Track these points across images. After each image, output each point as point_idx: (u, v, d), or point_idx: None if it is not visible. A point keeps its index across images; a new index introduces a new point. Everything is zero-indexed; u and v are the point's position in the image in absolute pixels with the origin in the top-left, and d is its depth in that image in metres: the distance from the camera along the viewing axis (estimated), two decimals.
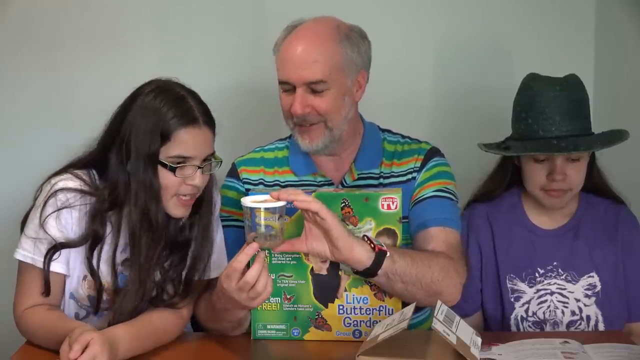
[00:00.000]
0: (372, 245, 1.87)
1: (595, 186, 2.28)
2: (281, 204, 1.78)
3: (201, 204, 1.99)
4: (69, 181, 1.93)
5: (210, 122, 1.94)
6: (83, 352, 1.71)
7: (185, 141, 1.89)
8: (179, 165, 1.89)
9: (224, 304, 1.87)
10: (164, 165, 1.89)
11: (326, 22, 2.12)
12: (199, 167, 1.91)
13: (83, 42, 2.69)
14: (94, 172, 1.96)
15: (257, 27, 2.72)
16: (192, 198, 1.94)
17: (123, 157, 1.90)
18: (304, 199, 1.81)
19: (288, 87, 2.09)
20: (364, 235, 1.89)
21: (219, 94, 2.74)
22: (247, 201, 1.79)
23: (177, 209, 1.94)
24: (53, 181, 1.94)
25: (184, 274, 1.98)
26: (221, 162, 1.98)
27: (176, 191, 1.91)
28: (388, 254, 1.87)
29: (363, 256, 1.86)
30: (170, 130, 1.87)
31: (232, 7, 2.74)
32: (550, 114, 2.15)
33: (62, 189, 1.91)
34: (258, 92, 2.70)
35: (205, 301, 2.01)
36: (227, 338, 1.99)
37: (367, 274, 1.89)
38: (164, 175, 1.89)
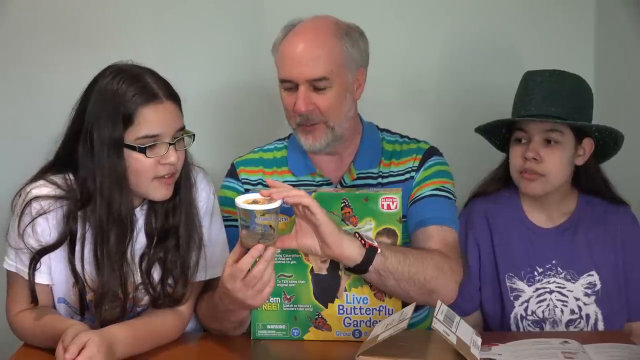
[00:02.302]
0: (363, 242, 1.86)
1: (597, 188, 2.28)
2: (277, 204, 1.78)
3: (179, 185, 1.94)
4: (42, 188, 1.90)
5: (172, 96, 1.88)
6: (80, 352, 1.70)
7: (150, 120, 1.83)
8: (148, 146, 1.84)
9: (227, 305, 1.87)
10: (134, 149, 1.84)
11: (325, 20, 2.11)
12: (171, 144, 1.86)
13: (83, 42, 2.69)
14: (70, 175, 1.91)
15: (256, 27, 2.72)
16: (172, 176, 1.90)
17: (89, 149, 1.85)
18: (295, 194, 1.79)
19: (290, 86, 2.08)
20: (356, 232, 1.89)
21: (219, 94, 2.75)
22: (240, 201, 1.77)
23: (159, 191, 1.89)
24: (28, 189, 1.90)
25: (179, 260, 1.94)
26: (194, 135, 1.93)
27: (154, 174, 1.86)
28: (379, 250, 1.86)
29: (353, 252, 1.85)
30: (131, 112, 1.82)
31: (231, 7, 2.74)
32: (534, 95, 2.18)
33: (35, 198, 1.88)
34: (258, 93, 2.70)
35: (207, 302, 2.01)
36: (227, 338, 1.99)
37: (357, 271, 1.88)
38: (137, 160, 1.84)
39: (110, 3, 2.71)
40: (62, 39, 2.69)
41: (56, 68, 2.69)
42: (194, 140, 1.94)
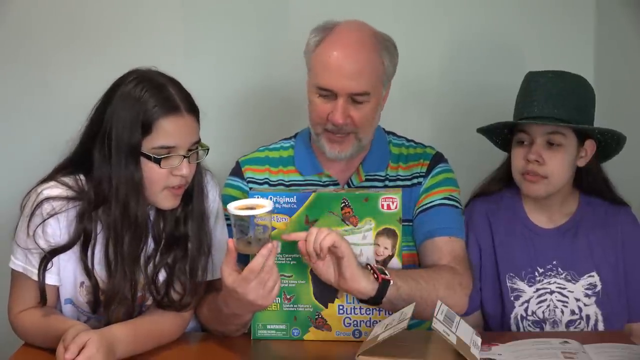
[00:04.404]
0: (376, 276, 1.87)
1: (598, 188, 2.28)
2: (271, 207, 1.79)
3: (192, 195, 1.95)
4: (54, 189, 1.89)
5: (193, 110, 1.89)
6: (80, 352, 1.70)
7: (168, 131, 1.84)
8: (163, 157, 1.84)
9: (233, 309, 1.87)
10: (149, 158, 1.84)
11: (365, 30, 2.10)
12: (185, 157, 1.87)
13: (83, 42, 2.68)
14: (81, 176, 1.91)
15: (265, 28, 2.71)
16: (182, 188, 1.91)
17: (106, 152, 1.85)
18: (324, 237, 1.80)
19: (327, 94, 2.06)
20: (367, 264, 1.90)
21: (227, 95, 2.73)
22: (232, 207, 1.78)
23: (167, 200, 1.90)
24: (39, 189, 1.90)
25: (187, 269, 1.95)
26: (208, 149, 1.94)
27: (165, 184, 1.87)
28: (391, 282, 1.87)
29: (367, 287, 1.87)
30: (151, 121, 1.83)
31: (241, 7, 2.73)
32: (535, 97, 2.17)
33: (47, 198, 1.88)
34: (265, 93, 2.69)
35: (209, 305, 2.00)
36: (227, 338, 1.99)
37: (370, 303, 1.89)
38: (150, 168, 1.85)
39: (110, 3, 2.71)
40: (61, 39, 2.68)
41: (56, 68, 2.68)
42: (207, 154, 1.95)
